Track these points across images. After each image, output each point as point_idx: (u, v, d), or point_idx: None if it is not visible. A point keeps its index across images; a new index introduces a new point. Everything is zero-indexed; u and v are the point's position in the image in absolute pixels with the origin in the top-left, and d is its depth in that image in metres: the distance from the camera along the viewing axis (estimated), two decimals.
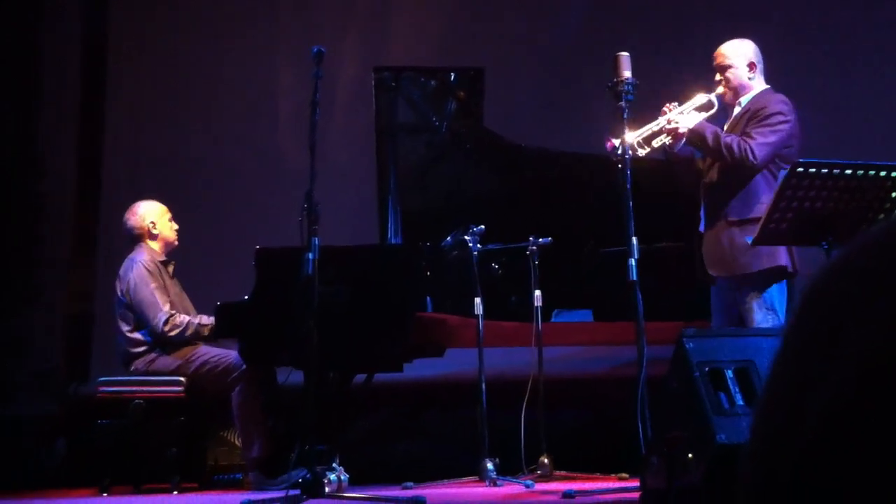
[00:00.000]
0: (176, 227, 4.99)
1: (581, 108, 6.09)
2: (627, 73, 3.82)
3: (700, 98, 4.15)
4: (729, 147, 3.97)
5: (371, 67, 5.31)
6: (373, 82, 5.18)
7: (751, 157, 3.95)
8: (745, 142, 3.97)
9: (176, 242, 4.98)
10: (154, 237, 4.89)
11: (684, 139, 4.07)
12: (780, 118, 4.06)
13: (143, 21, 6.90)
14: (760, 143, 3.98)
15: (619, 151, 3.85)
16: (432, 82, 5.39)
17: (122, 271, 4.80)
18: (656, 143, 4.08)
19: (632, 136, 3.95)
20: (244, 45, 6.87)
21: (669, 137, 4.08)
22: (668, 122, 4.06)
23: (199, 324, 4.68)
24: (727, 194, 4.07)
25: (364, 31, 6.94)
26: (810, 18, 6.43)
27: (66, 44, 6.70)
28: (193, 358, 4.68)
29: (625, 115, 3.79)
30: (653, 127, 4.06)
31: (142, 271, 4.72)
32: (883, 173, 3.44)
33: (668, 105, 4.09)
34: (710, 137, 4.00)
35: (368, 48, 6.79)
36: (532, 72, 6.65)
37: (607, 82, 3.86)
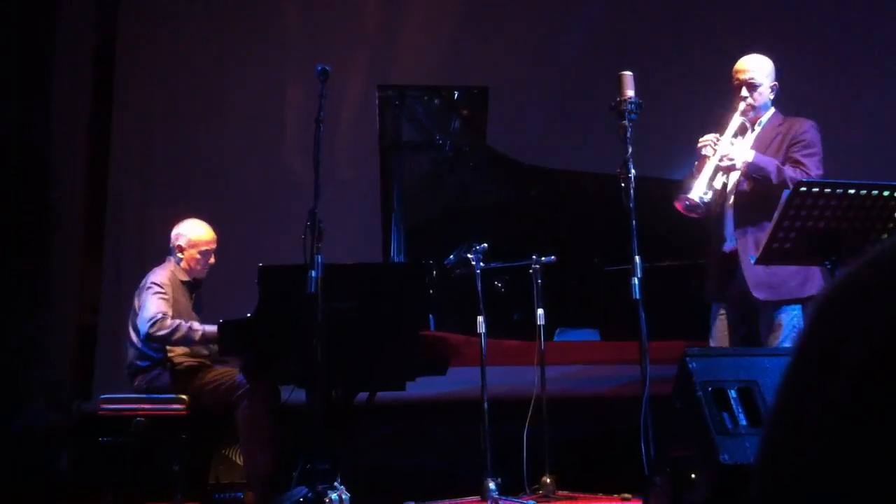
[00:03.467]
0: (212, 261, 4.84)
1: (585, 127, 6.11)
2: (631, 93, 3.83)
3: (735, 123, 4.06)
4: (794, 181, 3.84)
5: (376, 84, 5.33)
6: (377, 100, 5.20)
7: None
8: (807, 174, 3.91)
9: (201, 275, 4.86)
10: (179, 259, 4.82)
11: (741, 171, 3.99)
12: (819, 146, 4.05)
13: (152, 36, 6.95)
14: (817, 174, 3.93)
15: (694, 206, 3.86)
16: (436, 100, 5.41)
17: (142, 282, 4.79)
18: (717, 183, 4.01)
19: (699, 189, 3.90)
20: (252, 60, 6.92)
21: (725, 175, 4.01)
22: (721, 158, 3.96)
23: (190, 328, 4.56)
24: (768, 216, 3.89)
25: (370, 48, 6.98)
26: (814, 37, 6.44)
27: (76, 57, 6.74)
28: (199, 376, 4.66)
29: (628, 134, 3.80)
30: (711, 170, 3.96)
31: (155, 280, 4.70)
32: (886, 193, 3.44)
33: (708, 139, 4.00)
34: (774, 174, 3.91)
35: (374, 65, 6.83)
36: (536, 90, 6.67)
37: (611, 101, 3.86)
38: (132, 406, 4.59)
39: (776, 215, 3.57)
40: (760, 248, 3.93)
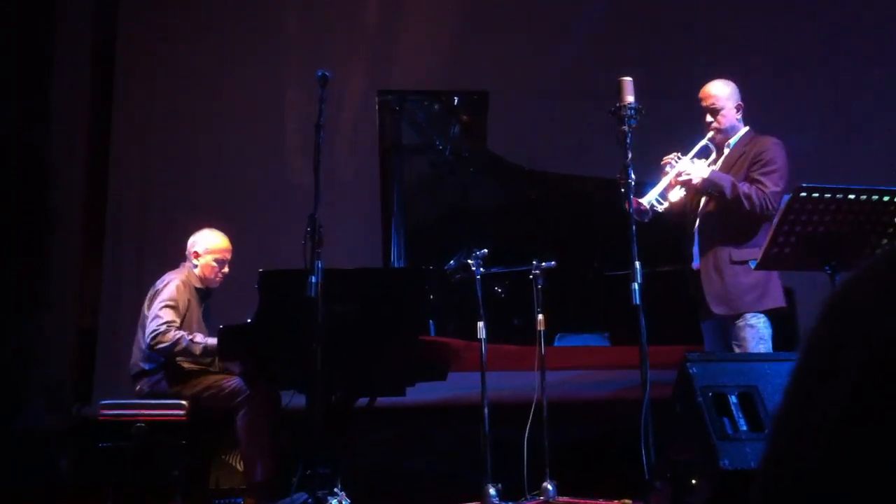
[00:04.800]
0: (225, 271, 4.91)
1: (584, 132, 6.12)
2: (630, 98, 3.84)
3: (700, 145, 4.22)
4: (748, 197, 4.03)
5: (376, 89, 5.33)
6: (377, 105, 5.19)
7: (770, 206, 4.02)
8: (762, 191, 4.04)
9: (215, 283, 4.91)
10: (194, 265, 4.88)
11: (696, 188, 4.12)
12: (781, 162, 4.14)
13: (152, 39, 6.96)
14: (774, 191, 4.05)
15: (643, 212, 3.92)
16: (436, 105, 5.40)
17: (158, 281, 4.82)
18: (673, 196, 4.13)
19: (650, 196, 4.04)
20: (252, 63, 6.92)
21: (682, 189, 4.14)
22: (679, 173, 4.11)
23: (191, 340, 4.60)
24: (727, 235, 4.11)
25: (370, 52, 6.98)
26: (811, 43, 6.45)
27: (76, 60, 6.74)
28: (199, 381, 4.67)
29: (627, 140, 3.80)
30: (666, 182, 4.12)
31: (170, 287, 4.72)
32: (886, 198, 3.44)
33: (671, 157, 4.16)
34: (728, 188, 4.05)
35: (374, 69, 6.83)
36: (536, 95, 6.68)
37: (610, 106, 3.87)
38: (132, 411, 4.59)
39: (775, 220, 3.57)
40: (720, 268, 4.07)
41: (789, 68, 6.20)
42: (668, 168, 4.15)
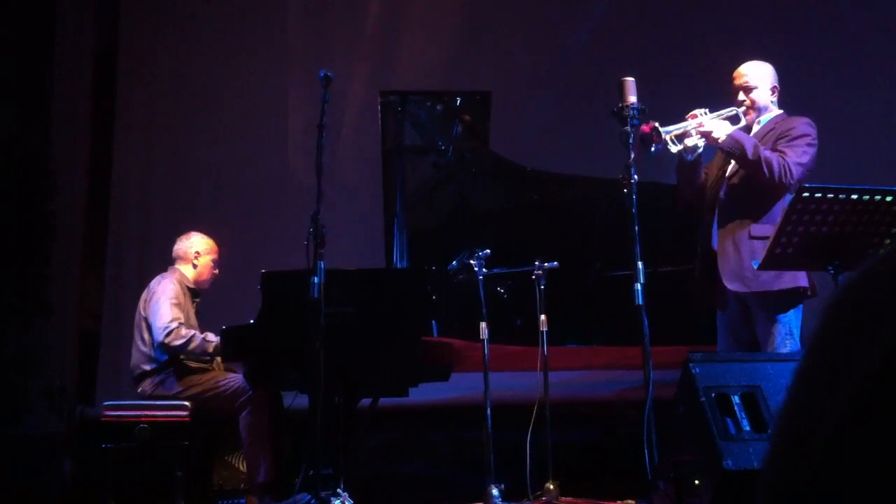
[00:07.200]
0: (216, 272, 5.06)
1: (586, 132, 6.11)
2: (633, 98, 3.82)
3: (729, 110, 4.12)
4: (769, 162, 3.91)
5: (379, 90, 5.33)
6: (379, 105, 5.20)
7: (789, 175, 3.91)
8: (784, 159, 3.93)
9: (207, 284, 5.05)
10: (194, 266, 4.98)
11: (718, 144, 4.00)
12: (809, 139, 4.04)
13: (153, 43, 6.96)
14: (796, 161, 3.95)
15: (655, 140, 3.82)
16: (439, 105, 5.41)
17: (151, 284, 4.86)
18: (689, 141, 4.00)
19: (667, 130, 3.93)
20: (254, 66, 6.92)
21: (702, 139, 4.02)
22: (701, 125, 4.00)
23: (204, 339, 4.68)
24: (750, 210, 4.00)
25: (372, 53, 6.98)
26: (816, 42, 6.44)
27: (77, 65, 6.74)
28: (201, 381, 4.68)
29: (630, 140, 3.79)
30: (687, 126, 4.00)
31: (167, 286, 4.79)
32: (889, 198, 3.44)
33: (699, 111, 4.04)
34: (750, 148, 3.93)
35: (376, 70, 6.83)
36: (538, 95, 6.68)
37: (613, 107, 3.86)
38: (135, 412, 4.60)
39: (779, 220, 3.57)
40: (737, 243, 3.97)
41: (790, 67, 6.19)
42: (691, 121, 4.03)
